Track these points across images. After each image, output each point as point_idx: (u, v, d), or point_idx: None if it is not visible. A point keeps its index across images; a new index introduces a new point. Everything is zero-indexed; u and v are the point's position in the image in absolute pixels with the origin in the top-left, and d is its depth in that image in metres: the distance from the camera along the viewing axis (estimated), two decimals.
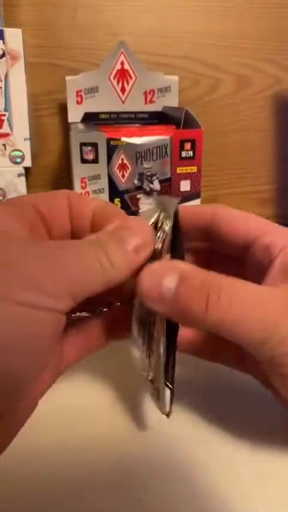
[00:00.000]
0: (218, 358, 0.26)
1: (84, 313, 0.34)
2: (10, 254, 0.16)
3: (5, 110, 0.48)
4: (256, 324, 0.18)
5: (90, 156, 0.46)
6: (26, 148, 0.50)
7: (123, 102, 0.55)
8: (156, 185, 0.49)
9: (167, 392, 0.23)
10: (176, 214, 0.22)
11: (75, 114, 0.54)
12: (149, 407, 0.28)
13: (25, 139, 0.50)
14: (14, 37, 0.47)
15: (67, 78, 0.53)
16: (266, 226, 0.24)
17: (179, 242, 0.22)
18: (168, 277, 0.19)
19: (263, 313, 0.19)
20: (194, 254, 0.28)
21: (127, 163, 0.47)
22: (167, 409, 0.23)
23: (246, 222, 0.24)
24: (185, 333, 0.25)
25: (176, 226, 0.22)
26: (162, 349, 0.22)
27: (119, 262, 0.18)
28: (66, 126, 0.57)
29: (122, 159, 0.47)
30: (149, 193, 0.49)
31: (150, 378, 0.24)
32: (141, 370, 0.24)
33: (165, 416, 0.23)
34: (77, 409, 0.28)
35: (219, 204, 0.25)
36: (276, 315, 0.19)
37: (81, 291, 0.17)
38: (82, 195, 0.24)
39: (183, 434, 0.26)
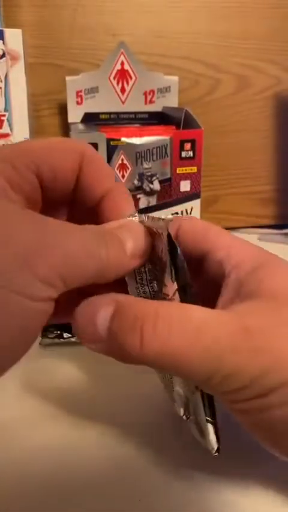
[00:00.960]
0: None
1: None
2: (5, 228, 0.15)
3: (5, 110, 0.48)
4: (199, 356, 0.16)
5: None
6: None
7: (123, 103, 0.55)
8: (156, 185, 0.49)
9: (210, 427, 0.21)
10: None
11: (75, 115, 0.54)
12: (149, 408, 0.28)
13: (25, 139, 0.50)
14: (14, 37, 0.47)
15: (67, 78, 0.53)
16: (223, 240, 0.22)
17: (180, 266, 0.20)
18: (103, 313, 0.17)
19: (206, 342, 0.16)
20: None
21: (127, 164, 0.47)
22: (215, 445, 0.21)
23: (205, 233, 0.23)
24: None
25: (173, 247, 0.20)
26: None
27: (115, 261, 0.18)
28: (66, 127, 0.57)
29: (122, 159, 0.47)
30: (149, 193, 0.49)
31: (185, 416, 0.23)
32: (176, 411, 0.24)
33: (215, 453, 0.21)
34: (76, 409, 0.28)
35: (189, 215, 0.24)
36: (222, 346, 0.16)
37: (74, 277, 0.16)
38: (101, 160, 0.21)
39: (184, 434, 0.26)
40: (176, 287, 0.19)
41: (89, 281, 0.17)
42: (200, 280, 0.23)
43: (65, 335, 0.34)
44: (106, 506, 0.22)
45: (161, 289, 0.20)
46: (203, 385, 0.18)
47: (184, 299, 0.19)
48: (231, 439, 0.26)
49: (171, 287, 0.20)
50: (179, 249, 0.19)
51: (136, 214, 0.20)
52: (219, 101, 0.62)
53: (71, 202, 0.22)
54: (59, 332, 0.35)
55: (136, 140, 0.47)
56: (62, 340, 0.34)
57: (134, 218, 0.20)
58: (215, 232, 0.23)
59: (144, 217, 0.20)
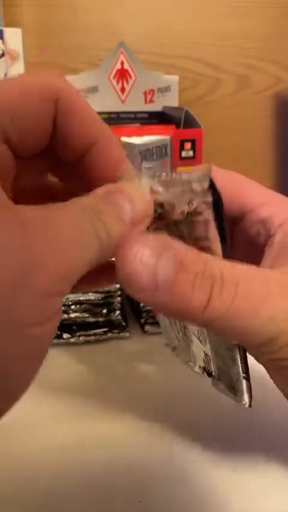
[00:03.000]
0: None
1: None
2: None
3: None
4: (263, 322, 0.16)
5: None
6: None
7: (123, 102, 0.55)
8: None
9: (245, 383, 0.21)
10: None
11: None
12: (149, 408, 0.28)
13: None
14: (14, 37, 0.47)
15: (67, 77, 0.53)
16: (263, 197, 0.20)
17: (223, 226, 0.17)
18: (164, 262, 0.14)
19: (271, 309, 0.16)
20: None
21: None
22: (248, 399, 0.21)
23: (243, 188, 0.21)
24: None
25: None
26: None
27: (115, 236, 0.15)
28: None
29: None
30: None
31: (205, 373, 0.23)
32: (199, 367, 0.23)
33: (248, 406, 0.21)
34: (76, 409, 0.28)
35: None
36: (285, 316, 0.16)
37: (77, 271, 0.14)
38: (81, 101, 0.17)
39: (182, 435, 0.26)
40: (219, 241, 0.17)
41: (94, 265, 0.14)
42: (236, 239, 0.21)
43: (65, 335, 0.34)
44: (106, 507, 0.22)
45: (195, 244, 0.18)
46: (256, 350, 0.17)
47: (226, 254, 0.18)
48: (231, 438, 0.25)
49: (215, 241, 0.17)
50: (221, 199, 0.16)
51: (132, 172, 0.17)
52: (220, 100, 0.62)
53: (51, 157, 0.18)
54: (58, 333, 0.34)
55: (136, 140, 0.47)
56: (61, 340, 0.34)
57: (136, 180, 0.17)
58: (253, 187, 0.21)
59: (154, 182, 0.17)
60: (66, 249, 0.13)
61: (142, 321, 0.36)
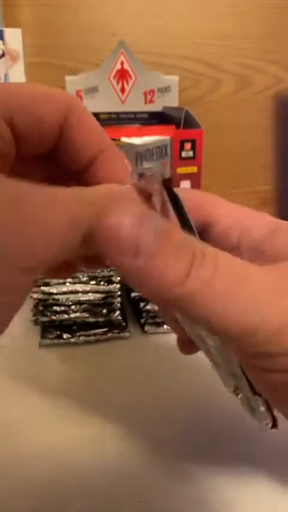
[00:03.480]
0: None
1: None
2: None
3: None
4: (241, 307, 0.14)
5: None
6: None
7: (123, 102, 0.55)
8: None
9: (259, 400, 0.19)
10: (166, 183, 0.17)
11: None
12: (150, 408, 0.28)
13: None
14: (14, 37, 0.47)
15: (67, 78, 0.53)
16: (227, 208, 0.21)
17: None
18: (148, 228, 0.14)
19: (253, 292, 0.15)
20: None
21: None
22: (268, 417, 0.19)
23: (206, 202, 0.21)
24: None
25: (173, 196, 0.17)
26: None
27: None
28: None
29: None
30: None
31: (235, 393, 0.21)
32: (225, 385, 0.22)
33: (271, 428, 0.19)
34: (76, 409, 0.28)
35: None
36: (264, 303, 0.15)
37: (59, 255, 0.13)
38: (90, 116, 0.17)
39: (182, 434, 0.26)
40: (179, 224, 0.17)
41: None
42: None
43: (65, 335, 0.34)
44: (105, 507, 0.22)
45: None
46: (235, 341, 0.15)
47: None
48: (231, 439, 0.25)
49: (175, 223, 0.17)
50: (179, 194, 0.17)
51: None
52: (220, 100, 0.62)
53: (48, 162, 0.18)
54: (58, 333, 0.35)
55: (136, 140, 0.47)
56: (61, 340, 0.34)
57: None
58: (216, 200, 0.21)
59: (136, 177, 0.17)
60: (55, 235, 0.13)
61: (142, 321, 0.36)
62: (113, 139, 0.50)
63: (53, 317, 0.34)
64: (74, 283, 0.34)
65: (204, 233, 0.20)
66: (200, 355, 0.29)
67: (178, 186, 0.49)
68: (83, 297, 0.34)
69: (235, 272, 0.15)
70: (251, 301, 0.14)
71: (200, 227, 0.20)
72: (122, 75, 0.54)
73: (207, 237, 0.20)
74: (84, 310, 0.35)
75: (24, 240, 0.12)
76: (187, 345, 0.23)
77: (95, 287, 0.34)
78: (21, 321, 0.36)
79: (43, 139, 0.17)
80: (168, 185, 0.17)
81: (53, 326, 0.35)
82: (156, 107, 0.56)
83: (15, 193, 0.12)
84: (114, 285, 0.34)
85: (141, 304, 0.35)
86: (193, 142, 0.48)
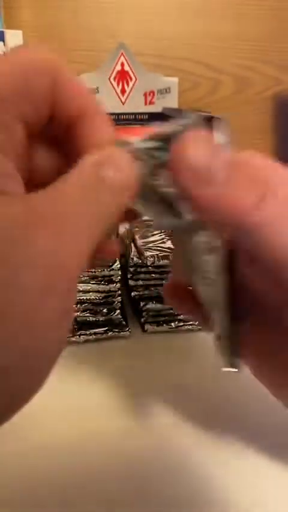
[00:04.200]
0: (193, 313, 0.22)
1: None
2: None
3: None
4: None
5: None
6: None
7: (123, 103, 0.56)
8: None
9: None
10: None
11: None
12: (149, 406, 0.28)
13: None
14: (15, 38, 0.47)
15: None
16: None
17: None
18: (222, 158, 0.15)
19: None
20: None
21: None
22: (229, 361, 0.19)
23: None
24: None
25: None
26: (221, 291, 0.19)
27: (112, 209, 0.15)
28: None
29: None
30: None
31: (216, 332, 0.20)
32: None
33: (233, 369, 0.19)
34: (76, 409, 0.28)
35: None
36: None
37: (90, 255, 0.14)
38: (73, 76, 0.17)
39: (182, 433, 0.26)
40: None
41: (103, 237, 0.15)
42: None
43: None
44: (107, 504, 0.22)
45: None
46: None
47: None
48: (231, 438, 0.26)
49: None
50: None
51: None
52: (219, 101, 0.62)
53: (50, 129, 0.18)
54: None
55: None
56: None
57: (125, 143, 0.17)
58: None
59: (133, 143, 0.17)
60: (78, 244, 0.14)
61: (142, 320, 0.36)
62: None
63: None
64: None
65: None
66: (201, 355, 0.29)
67: None
68: (84, 296, 0.34)
69: None
70: None
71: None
72: (122, 76, 0.55)
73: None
74: (84, 310, 0.35)
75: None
76: (174, 289, 0.22)
77: (96, 286, 0.34)
78: None
79: (44, 107, 0.16)
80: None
81: None
82: (156, 108, 0.57)
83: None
84: (115, 284, 0.34)
85: (141, 304, 0.36)
86: None
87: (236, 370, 0.19)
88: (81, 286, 0.35)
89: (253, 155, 0.16)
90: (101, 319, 0.35)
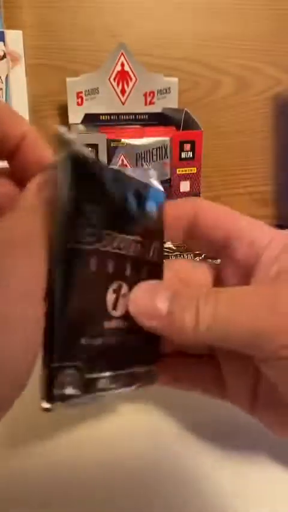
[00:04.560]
0: (198, 386, 0.24)
1: None
2: None
3: None
4: (244, 320, 0.18)
5: None
6: None
7: (123, 104, 0.56)
8: None
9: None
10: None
11: (75, 116, 0.54)
12: (149, 407, 0.28)
13: None
14: (15, 39, 0.47)
15: (67, 79, 0.53)
16: (248, 223, 0.23)
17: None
18: (163, 294, 0.19)
19: (248, 309, 0.18)
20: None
21: (127, 164, 0.47)
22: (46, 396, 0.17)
23: (229, 217, 0.23)
24: (162, 367, 0.23)
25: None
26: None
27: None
28: (66, 128, 0.57)
29: (122, 160, 0.47)
30: None
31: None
32: None
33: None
34: (76, 409, 0.28)
35: (196, 198, 0.24)
36: (263, 312, 0.18)
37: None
38: (8, 106, 0.21)
39: (182, 434, 0.26)
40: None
41: None
42: (225, 268, 0.23)
43: None
44: (106, 508, 0.22)
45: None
46: (249, 348, 0.19)
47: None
48: (232, 439, 0.26)
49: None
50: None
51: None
52: (219, 102, 0.63)
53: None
54: None
55: (136, 141, 0.47)
56: None
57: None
58: (236, 214, 0.23)
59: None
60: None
61: None
62: (113, 140, 0.51)
63: None
64: None
65: (227, 248, 0.23)
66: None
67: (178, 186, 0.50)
68: None
69: (234, 297, 0.19)
70: (248, 316, 0.18)
71: (223, 242, 0.23)
72: (122, 76, 0.55)
73: (233, 247, 0.22)
74: None
75: None
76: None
77: None
78: None
79: None
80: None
81: None
82: (156, 108, 0.57)
83: None
84: None
85: None
86: (192, 143, 0.49)
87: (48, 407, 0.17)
88: None
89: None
90: None
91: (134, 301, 0.20)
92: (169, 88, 0.57)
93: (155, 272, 0.21)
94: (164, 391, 0.28)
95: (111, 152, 0.46)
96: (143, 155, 0.48)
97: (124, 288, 0.20)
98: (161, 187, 0.22)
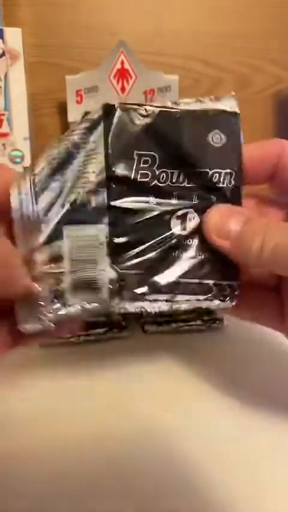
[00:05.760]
0: (260, 318, 0.26)
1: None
2: None
3: (5, 109, 0.48)
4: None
5: None
6: (25, 148, 0.50)
7: None
8: None
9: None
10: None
11: (75, 114, 0.54)
12: (149, 407, 0.28)
13: (25, 138, 0.49)
14: (14, 36, 0.47)
15: (67, 77, 0.53)
16: None
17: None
18: (235, 219, 0.22)
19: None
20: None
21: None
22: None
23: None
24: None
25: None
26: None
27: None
28: (66, 126, 0.57)
29: None
30: None
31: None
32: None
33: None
34: (76, 408, 0.28)
35: (282, 140, 0.26)
36: None
37: None
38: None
39: (182, 433, 0.26)
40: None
41: None
42: None
43: None
44: (105, 508, 0.22)
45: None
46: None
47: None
48: (231, 438, 0.26)
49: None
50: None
51: None
52: None
53: None
54: None
55: None
56: (61, 339, 0.34)
57: None
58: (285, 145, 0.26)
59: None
60: None
61: (142, 320, 0.36)
62: None
63: None
64: None
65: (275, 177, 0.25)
66: (201, 355, 0.29)
67: None
68: None
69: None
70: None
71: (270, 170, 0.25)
72: (122, 74, 0.54)
73: (279, 173, 0.25)
74: None
75: None
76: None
77: None
78: None
79: None
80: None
81: None
82: None
83: None
84: None
85: None
86: None
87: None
88: None
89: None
90: (100, 319, 0.35)
91: (207, 220, 0.22)
92: (169, 86, 0.56)
93: (233, 197, 0.23)
94: (162, 391, 0.28)
95: None
96: None
97: (191, 214, 0.22)
98: (236, 109, 0.25)
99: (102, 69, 0.54)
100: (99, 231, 0.21)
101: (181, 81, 0.57)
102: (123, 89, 0.55)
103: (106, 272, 0.21)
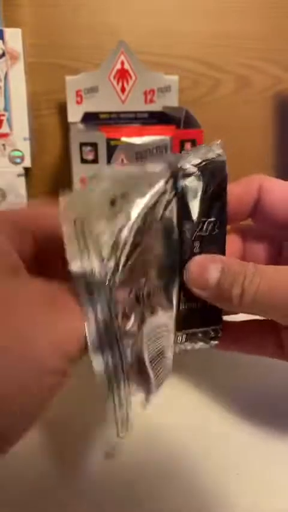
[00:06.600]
0: (259, 349, 0.26)
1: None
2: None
3: (5, 109, 0.48)
4: (283, 297, 0.20)
5: (90, 156, 0.45)
6: (25, 148, 0.50)
7: (123, 102, 0.55)
8: None
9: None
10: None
11: (75, 114, 0.54)
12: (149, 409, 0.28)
13: (25, 139, 0.49)
14: (14, 37, 0.47)
15: (67, 77, 0.53)
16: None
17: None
18: (213, 267, 0.22)
19: (284, 286, 0.21)
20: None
21: (127, 163, 0.47)
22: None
23: None
24: (226, 332, 0.25)
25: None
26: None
27: None
28: (66, 126, 0.57)
29: (122, 159, 0.47)
30: None
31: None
32: None
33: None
34: (76, 407, 0.28)
35: (260, 174, 0.25)
36: None
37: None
38: None
39: (182, 434, 0.26)
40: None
41: None
42: (280, 249, 0.26)
43: None
44: (105, 508, 0.22)
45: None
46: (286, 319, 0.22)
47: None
48: (232, 437, 0.25)
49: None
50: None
51: None
52: (220, 100, 0.62)
53: None
54: None
55: (136, 140, 0.47)
56: None
57: None
58: (265, 177, 0.25)
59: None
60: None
61: None
62: (113, 139, 0.50)
63: None
64: None
65: (257, 204, 0.25)
66: (201, 355, 0.29)
67: None
68: None
69: (276, 276, 0.21)
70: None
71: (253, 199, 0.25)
72: (122, 75, 0.54)
73: (260, 208, 0.25)
74: None
75: None
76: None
77: None
78: None
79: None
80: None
81: None
82: (156, 106, 0.56)
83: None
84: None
85: None
86: (193, 142, 0.48)
87: None
88: None
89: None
90: None
91: (187, 273, 0.22)
92: (169, 86, 0.56)
93: (217, 243, 0.23)
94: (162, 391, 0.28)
95: (111, 151, 0.46)
96: (143, 154, 0.47)
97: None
98: (222, 157, 0.26)
99: (102, 69, 0.54)
100: None
101: (181, 82, 0.57)
102: (123, 89, 0.55)
103: None
